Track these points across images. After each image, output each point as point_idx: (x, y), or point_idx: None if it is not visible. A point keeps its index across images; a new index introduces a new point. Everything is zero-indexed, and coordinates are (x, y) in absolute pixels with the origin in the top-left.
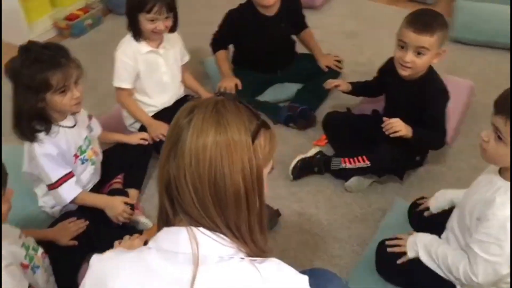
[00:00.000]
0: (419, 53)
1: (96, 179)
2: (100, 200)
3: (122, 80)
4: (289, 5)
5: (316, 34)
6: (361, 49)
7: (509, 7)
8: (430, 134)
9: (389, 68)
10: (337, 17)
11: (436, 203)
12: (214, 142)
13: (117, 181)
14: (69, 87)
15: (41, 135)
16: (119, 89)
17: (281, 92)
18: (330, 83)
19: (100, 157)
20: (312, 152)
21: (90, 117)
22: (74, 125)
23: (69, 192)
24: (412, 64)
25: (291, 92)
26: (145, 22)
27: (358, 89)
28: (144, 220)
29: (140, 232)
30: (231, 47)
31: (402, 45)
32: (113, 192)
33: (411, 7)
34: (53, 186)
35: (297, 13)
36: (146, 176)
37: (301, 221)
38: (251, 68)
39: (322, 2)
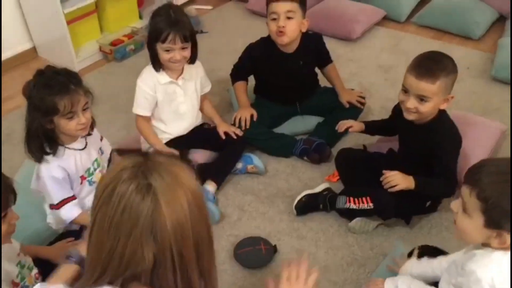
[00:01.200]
0: (422, 99)
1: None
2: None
3: (140, 107)
4: (310, 43)
5: (349, 66)
6: (394, 84)
7: None
8: (436, 183)
9: (399, 108)
10: (374, 50)
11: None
12: (187, 204)
13: None
14: (76, 113)
15: (49, 156)
16: (138, 115)
17: (300, 125)
18: (342, 125)
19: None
20: (320, 188)
21: (101, 138)
22: (84, 148)
23: (69, 213)
24: (416, 110)
25: (310, 126)
26: (162, 52)
27: (371, 128)
28: None
29: None
30: (251, 78)
31: (405, 90)
32: None
33: (456, 42)
34: (54, 207)
35: (318, 51)
36: None
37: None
38: (270, 100)
39: (359, 34)
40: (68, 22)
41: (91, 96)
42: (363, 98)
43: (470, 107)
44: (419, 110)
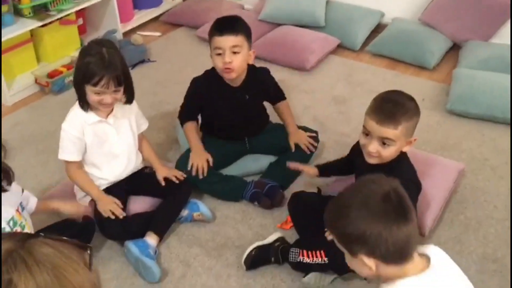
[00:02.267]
0: (384, 143)
1: None
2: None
3: (68, 153)
4: (257, 77)
5: (303, 99)
6: (348, 118)
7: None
8: None
9: (359, 149)
10: (328, 81)
11: None
12: None
13: None
14: None
15: None
16: (67, 162)
17: (251, 164)
18: (293, 165)
19: None
20: (272, 238)
21: (22, 191)
22: None
23: None
24: (378, 154)
25: (262, 165)
26: (91, 94)
27: (327, 171)
28: None
29: None
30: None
31: (366, 133)
32: None
33: (411, 72)
34: None
35: (266, 86)
36: None
37: None
38: (218, 136)
39: (313, 64)
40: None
41: (4, 151)
42: (317, 140)
43: (426, 141)
44: (381, 154)
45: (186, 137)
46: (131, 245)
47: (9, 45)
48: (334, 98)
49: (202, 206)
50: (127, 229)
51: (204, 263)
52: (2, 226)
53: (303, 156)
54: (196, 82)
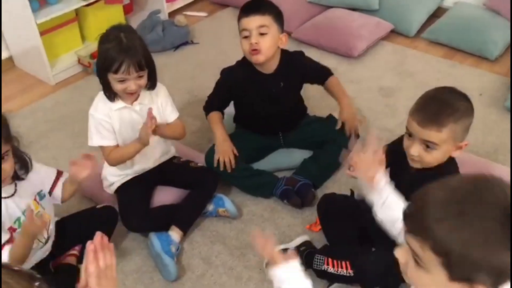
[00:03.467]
0: (428, 147)
1: (43, 254)
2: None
3: (100, 138)
4: (291, 62)
5: (347, 89)
6: (394, 112)
7: None
8: None
9: (399, 147)
10: (377, 70)
11: None
12: None
13: (72, 254)
14: None
15: None
16: (102, 147)
17: (284, 159)
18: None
19: (50, 227)
20: (297, 241)
21: (59, 174)
22: (12, 195)
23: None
24: (419, 158)
25: (296, 161)
26: (115, 83)
27: None
28: None
29: None
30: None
31: (409, 134)
32: (62, 268)
33: (470, 62)
34: None
35: (303, 69)
36: None
37: None
38: (251, 130)
39: (361, 51)
40: (44, 32)
41: (17, 141)
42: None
43: (479, 143)
44: (423, 159)
45: (211, 127)
46: (154, 239)
47: (54, 24)
48: (381, 89)
49: (228, 202)
50: (150, 222)
51: (225, 263)
52: (18, 216)
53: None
54: (226, 73)
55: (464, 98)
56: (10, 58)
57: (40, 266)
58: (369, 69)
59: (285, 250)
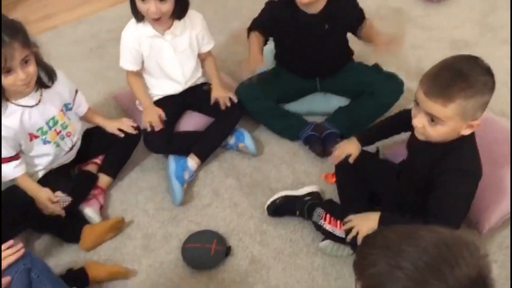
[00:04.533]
0: (432, 120)
1: (66, 159)
2: (31, 188)
3: (126, 62)
4: (339, 3)
5: (414, 36)
6: None
7: None
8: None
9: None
10: (457, 18)
11: None
12: None
13: (95, 162)
14: (13, 68)
15: None
16: (126, 70)
17: (319, 104)
18: (335, 158)
19: (75, 139)
20: (305, 190)
21: (76, 91)
22: (37, 104)
23: (8, 172)
24: (423, 131)
25: (331, 107)
26: (138, 1)
27: (377, 136)
28: (90, 214)
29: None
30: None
31: (417, 102)
32: (81, 174)
33: None
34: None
35: (350, 12)
36: (127, 166)
37: (248, 271)
38: (289, 69)
39: None
40: None
41: (36, 47)
42: (396, 90)
43: None
44: (427, 131)
45: (249, 46)
46: (171, 161)
47: None
48: (453, 41)
49: (248, 138)
50: (170, 145)
51: (233, 197)
52: (41, 125)
53: (376, 106)
54: (270, 5)
55: (487, 72)
56: None
57: (63, 169)
58: (447, 16)
59: (288, 197)
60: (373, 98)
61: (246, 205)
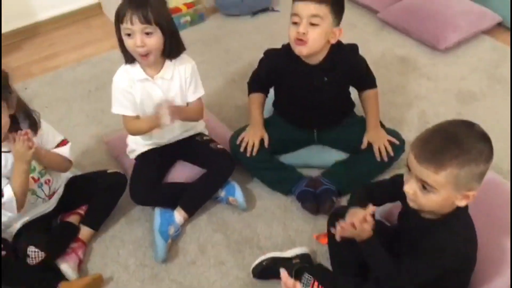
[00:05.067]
0: (424, 188)
1: (46, 208)
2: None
3: (120, 106)
4: (341, 56)
5: (420, 85)
6: None
7: None
8: (387, 265)
9: None
10: (463, 68)
11: None
12: None
13: (78, 212)
14: None
15: None
16: (123, 116)
17: (316, 156)
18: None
19: (54, 186)
20: (293, 252)
21: (64, 142)
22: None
23: None
24: (414, 198)
25: (328, 161)
26: (124, 37)
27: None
28: (66, 270)
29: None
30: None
31: (409, 167)
32: (61, 226)
33: None
34: None
35: (352, 67)
36: (111, 217)
37: None
38: (286, 119)
39: (451, 44)
40: None
41: (14, 97)
42: (398, 150)
43: None
44: (417, 200)
45: (248, 107)
46: (157, 214)
47: None
48: (459, 92)
49: (239, 192)
50: (155, 196)
51: (219, 255)
52: None
53: (376, 164)
54: (269, 55)
55: (483, 139)
56: (98, 4)
57: (43, 219)
58: (454, 67)
59: (276, 259)
60: (373, 155)
61: (232, 265)
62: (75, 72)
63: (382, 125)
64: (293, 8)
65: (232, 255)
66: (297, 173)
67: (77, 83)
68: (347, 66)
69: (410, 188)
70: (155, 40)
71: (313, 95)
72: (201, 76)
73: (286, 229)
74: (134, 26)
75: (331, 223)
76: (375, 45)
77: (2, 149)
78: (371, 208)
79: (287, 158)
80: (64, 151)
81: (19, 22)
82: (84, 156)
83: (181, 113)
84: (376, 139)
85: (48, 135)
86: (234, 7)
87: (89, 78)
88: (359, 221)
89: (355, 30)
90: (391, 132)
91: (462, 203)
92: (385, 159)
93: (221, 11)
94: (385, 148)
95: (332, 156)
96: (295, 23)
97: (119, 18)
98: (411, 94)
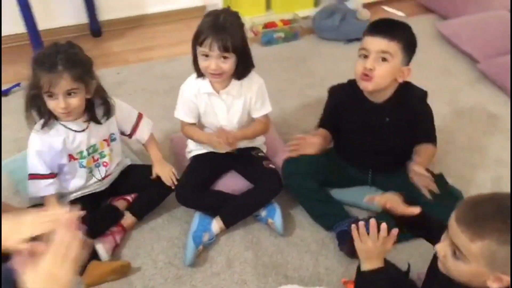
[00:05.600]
0: (455, 254)
1: (98, 187)
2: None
3: (181, 113)
4: (408, 99)
5: (506, 150)
6: None
7: None
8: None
9: None
10: None
11: None
12: None
13: (126, 199)
14: (56, 95)
15: (38, 126)
16: (181, 120)
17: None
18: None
19: (111, 169)
20: None
21: (139, 118)
22: (82, 131)
23: (34, 189)
24: (444, 261)
25: (378, 206)
26: (200, 57)
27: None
28: (100, 250)
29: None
30: None
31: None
32: (107, 208)
33: None
34: (29, 176)
35: (415, 113)
36: (156, 210)
37: None
38: (343, 155)
39: None
40: None
41: (85, 85)
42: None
43: None
44: (447, 263)
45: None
46: (195, 218)
47: None
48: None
49: (278, 216)
50: (199, 201)
51: (244, 273)
52: (81, 149)
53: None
54: (333, 91)
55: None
56: (203, 7)
57: (94, 197)
58: None
59: None
60: (433, 208)
61: (253, 286)
62: (165, 67)
63: (444, 181)
64: (363, 42)
65: (256, 276)
66: (343, 211)
67: (163, 78)
68: (411, 111)
69: (441, 249)
70: (230, 64)
71: (372, 134)
72: (279, 94)
73: (317, 264)
74: (212, 52)
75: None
76: (466, 95)
77: (71, 127)
78: (416, 209)
79: (337, 193)
80: (143, 135)
81: (129, 11)
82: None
83: (237, 141)
84: (420, 179)
85: (125, 113)
86: (330, 31)
87: (175, 75)
88: (384, 231)
89: (449, 76)
90: (453, 192)
91: (494, 285)
92: (428, 195)
93: (317, 33)
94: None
95: None
96: (363, 57)
97: (198, 39)
98: (491, 156)
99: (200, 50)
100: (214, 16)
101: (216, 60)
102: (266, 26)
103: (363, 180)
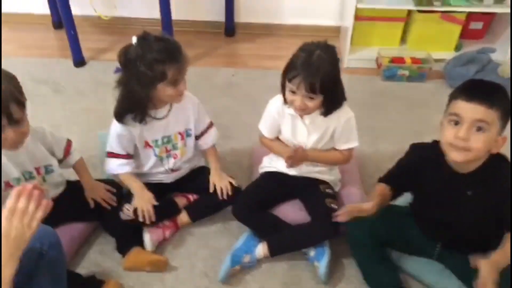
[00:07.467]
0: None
1: (164, 178)
2: (135, 186)
3: (264, 126)
4: (497, 173)
5: None
6: None
7: None
8: None
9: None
10: None
11: None
12: None
13: (187, 197)
14: (178, 81)
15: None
16: (260, 132)
17: (428, 274)
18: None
19: (179, 164)
20: None
21: (210, 125)
22: (162, 118)
23: (111, 167)
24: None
25: (439, 285)
26: (287, 90)
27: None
28: (146, 240)
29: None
30: None
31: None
32: (166, 202)
33: None
34: (107, 155)
35: (505, 193)
36: (213, 216)
37: None
38: (416, 219)
39: None
40: (362, 18)
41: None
42: None
43: None
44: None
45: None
46: (243, 236)
47: (383, 15)
48: None
49: (324, 262)
50: (252, 221)
51: None
52: (157, 138)
53: None
54: (415, 149)
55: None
56: (338, 29)
57: (159, 188)
58: None
59: None
60: None
61: None
62: (275, 77)
63: None
64: (453, 106)
65: None
66: (397, 279)
67: (274, 89)
68: (500, 187)
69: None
70: (315, 103)
71: (448, 206)
72: (379, 133)
73: None
74: (299, 91)
75: None
76: None
77: (153, 115)
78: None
79: (399, 258)
80: (208, 142)
81: (266, 18)
82: (229, 153)
83: (305, 158)
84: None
85: (201, 116)
86: (461, 79)
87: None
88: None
89: None
90: None
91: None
92: None
93: (446, 80)
94: None
95: (444, 282)
96: (453, 123)
97: (288, 75)
98: None
99: (288, 85)
100: (308, 52)
101: (302, 98)
102: (393, 60)
103: (429, 252)
